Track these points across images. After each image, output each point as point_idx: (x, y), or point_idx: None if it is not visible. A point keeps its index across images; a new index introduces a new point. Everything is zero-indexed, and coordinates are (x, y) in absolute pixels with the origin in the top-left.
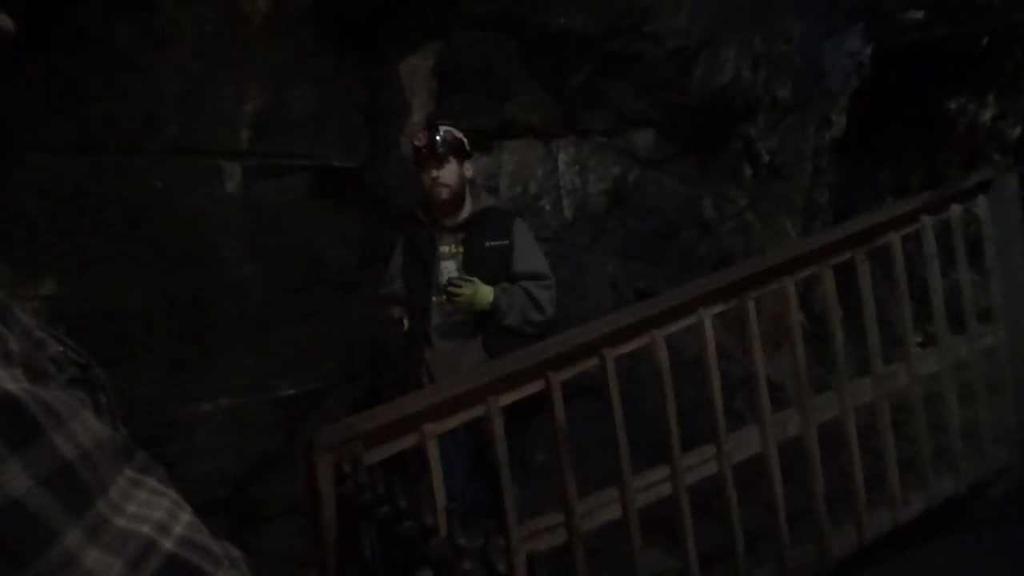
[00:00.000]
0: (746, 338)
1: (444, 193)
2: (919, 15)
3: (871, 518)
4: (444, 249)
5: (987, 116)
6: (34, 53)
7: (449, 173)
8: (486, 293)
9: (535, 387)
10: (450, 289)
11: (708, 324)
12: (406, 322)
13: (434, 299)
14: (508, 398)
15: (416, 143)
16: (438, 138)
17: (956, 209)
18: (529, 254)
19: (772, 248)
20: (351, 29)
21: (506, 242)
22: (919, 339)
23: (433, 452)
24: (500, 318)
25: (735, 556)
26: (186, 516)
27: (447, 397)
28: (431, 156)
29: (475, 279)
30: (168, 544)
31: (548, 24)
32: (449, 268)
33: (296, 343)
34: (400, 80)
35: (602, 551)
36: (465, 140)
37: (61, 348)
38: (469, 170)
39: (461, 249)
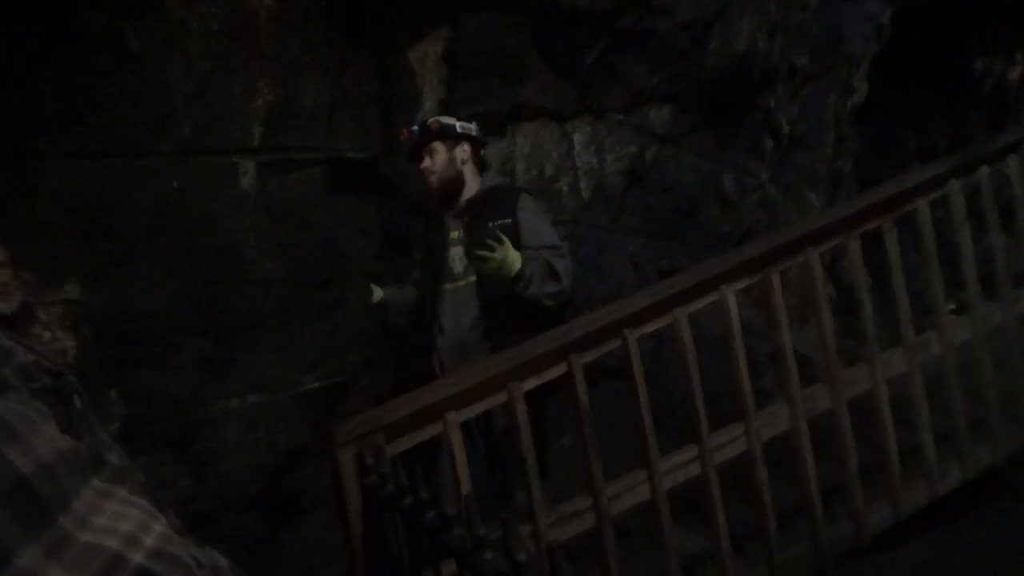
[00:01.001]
0: (772, 313)
1: (433, 181)
2: None
3: (907, 492)
4: (453, 235)
5: (1015, 74)
6: (46, 61)
7: (435, 161)
8: (515, 259)
9: (557, 371)
10: (480, 252)
11: (732, 300)
12: (381, 292)
13: (445, 287)
14: (530, 383)
15: (402, 139)
16: (416, 128)
17: (985, 171)
18: (537, 227)
19: (795, 221)
20: (359, 19)
21: (508, 220)
22: (951, 307)
23: (457, 441)
24: (521, 288)
25: (768, 535)
26: (158, 526)
27: (468, 385)
28: (417, 147)
29: (508, 241)
30: (137, 557)
31: (557, 2)
32: (458, 254)
33: (319, 337)
34: (411, 68)
35: (633, 532)
36: (456, 124)
37: (32, 356)
38: (465, 152)
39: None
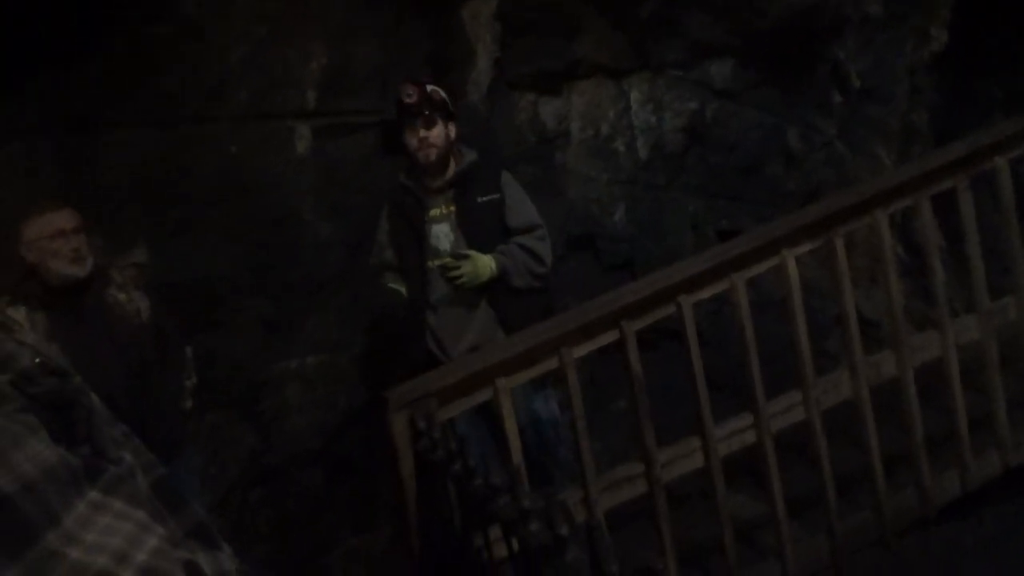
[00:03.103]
0: (836, 277)
1: (432, 154)
2: None
3: (977, 462)
4: (434, 212)
5: None
6: (109, 33)
7: (437, 134)
8: (486, 264)
9: (609, 337)
10: (450, 274)
11: (792, 266)
12: (403, 290)
13: (430, 264)
14: (582, 349)
15: (406, 99)
16: (427, 97)
17: None
18: (521, 206)
19: (865, 179)
20: None
21: (496, 196)
22: None
23: (507, 407)
24: (508, 281)
25: (827, 504)
26: (153, 541)
27: (520, 351)
28: (419, 115)
29: (471, 252)
30: (128, 574)
31: None
32: (443, 231)
33: (376, 298)
34: (463, 27)
35: (689, 498)
36: (450, 101)
37: (38, 359)
38: (454, 131)
39: (452, 208)
